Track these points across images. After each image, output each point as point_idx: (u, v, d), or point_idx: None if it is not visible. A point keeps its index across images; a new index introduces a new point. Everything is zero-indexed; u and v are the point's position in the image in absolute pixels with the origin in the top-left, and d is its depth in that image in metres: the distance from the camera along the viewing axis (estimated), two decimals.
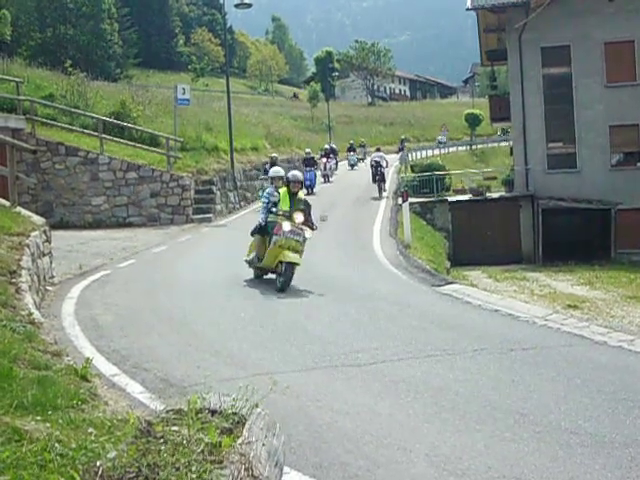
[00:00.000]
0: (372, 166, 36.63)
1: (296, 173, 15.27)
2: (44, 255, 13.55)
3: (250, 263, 15.11)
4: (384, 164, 36.67)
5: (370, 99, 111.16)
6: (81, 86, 32.49)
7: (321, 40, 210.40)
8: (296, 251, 13.92)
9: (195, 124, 34.63)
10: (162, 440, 3.60)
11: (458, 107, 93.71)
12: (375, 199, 34.07)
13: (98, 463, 3.46)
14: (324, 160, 43.17)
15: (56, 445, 3.84)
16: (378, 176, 35.51)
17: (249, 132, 41.27)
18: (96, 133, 26.88)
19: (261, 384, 4.95)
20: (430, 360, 8.92)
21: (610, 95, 33.34)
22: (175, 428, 3.74)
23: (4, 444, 3.81)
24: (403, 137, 68.62)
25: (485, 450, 6.11)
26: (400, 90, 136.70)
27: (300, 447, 6.09)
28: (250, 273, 15.25)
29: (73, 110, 28.81)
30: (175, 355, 9.16)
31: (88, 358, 7.34)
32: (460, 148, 72.20)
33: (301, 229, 14.07)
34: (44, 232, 14.05)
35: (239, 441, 3.61)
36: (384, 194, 35.01)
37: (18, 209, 14.78)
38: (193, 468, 3.32)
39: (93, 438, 4.00)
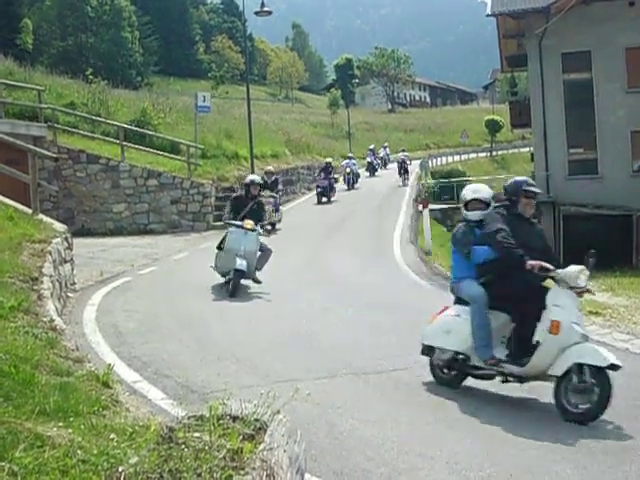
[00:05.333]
0: (398, 162, 46.49)
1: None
2: (65, 262, 13.61)
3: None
4: (408, 161, 46.11)
5: (390, 106, 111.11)
6: (102, 94, 32.70)
7: (341, 47, 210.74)
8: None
9: (215, 131, 34.73)
10: (184, 446, 3.61)
11: (478, 113, 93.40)
12: (400, 187, 42.79)
13: (120, 469, 3.47)
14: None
15: (78, 451, 3.86)
16: (403, 170, 44.71)
17: (269, 139, 41.34)
18: (117, 141, 26.98)
19: (282, 391, 4.95)
20: None
21: (632, 100, 33.11)
22: (197, 434, 3.75)
23: (26, 450, 3.83)
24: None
25: (506, 458, 6.09)
26: (420, 96, 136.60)
27: (321, 454, 6.09)
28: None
29: (94, 118, 28.94)
30: (196, 362, 9.18)
31: (109, 364, 7.35)
32: (480, 154, 71.97)
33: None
34: (65, 239, 14.11)
35: (261, 447, 3.61)
36: (407, 182, 44.01)
37: (40, 216, 14.86)
38: (215, 474, 3.33)
39: (115, 444, 4.02)
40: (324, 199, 35.60)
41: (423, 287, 16.34)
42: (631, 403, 7.49)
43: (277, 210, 26.03)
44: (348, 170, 42.29)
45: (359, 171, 45.72)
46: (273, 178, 27.05)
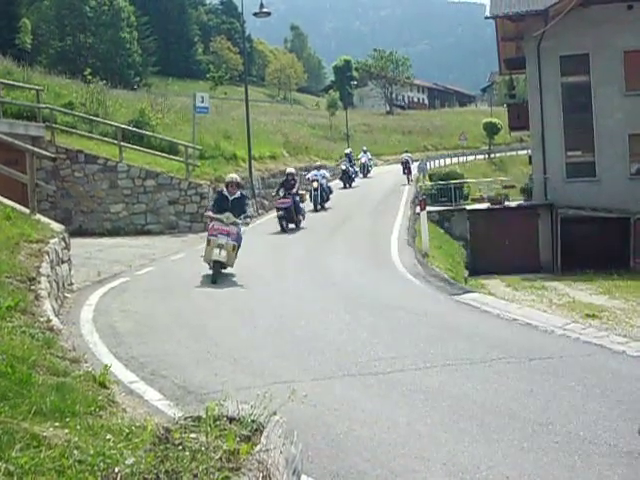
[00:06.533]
0: (402, 162, 47.84)
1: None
2: (63, 262, 13.60)
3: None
4: (410, 161, 47.55)
5: (388, 107, 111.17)
6: (100, 94, 32.69)
7: (339, 49, 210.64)
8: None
9: (214, 132, 34.72)
10: (180, 447, 3.61)
11: (476, 115, 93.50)
12: (403, 185, 43.56)
13: (116, 469, 3.47)
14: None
15: (74, 451, 3.85)
16: (406, 169, 46.40)
17: (267, 140, 41.30)
18: (115, 141, 26.97)
19: (279, 392, 4.95)
20: (448, 369, 8.89)
21: (629, 103, 33.17)
22: (193, 435, 3.75)
23: (23, 450, 3.82)
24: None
25: (503, 460, 6.09)
26: (418, 98, 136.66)
27: (317, 455, 6.08)
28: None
29: (92, 118, 28.94)
30: (193, 362, 9.18)
31: (106, 365, 7.36)
32: (478, 157, 72.02)
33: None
34: (63, 239, 14.10)
35: (257, 448, 3.61)
36: (410, 181, 44.96)
37: (37, 216, 14.84)
38: (211, 475, 3.33)
39: (111, 444, 4.02)
40: (290, 225, 26.26)
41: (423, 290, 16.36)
42: (629, 407, 7.48)
43: (239, 247, 16.47)
44: (315, 185, 32.17)
45: (332, 184, 36.34)
46: (238, 194, 16.86)
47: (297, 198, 26.47)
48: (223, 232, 15.90)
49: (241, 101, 42.57)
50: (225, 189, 16.98)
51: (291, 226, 26.17)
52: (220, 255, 15.66)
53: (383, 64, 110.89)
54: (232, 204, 16.43)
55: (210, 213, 16.63)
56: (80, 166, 26.21)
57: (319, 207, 32.18)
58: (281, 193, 26.24)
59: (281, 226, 25.81)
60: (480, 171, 57.68)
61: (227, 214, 16.15)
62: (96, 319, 11.62)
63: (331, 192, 34.05)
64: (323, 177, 33.28)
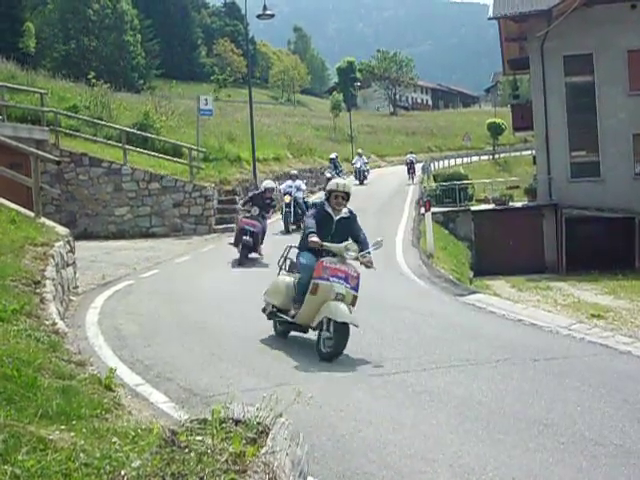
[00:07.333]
0: (406, 163, 47.81)
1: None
2: (68, 265, 13.61)
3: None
4: (415, 162, 47.72)
5: (392, 109, 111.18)
6: (104, 97, 32.72)
7: (343, 50, 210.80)
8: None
9: (218, 134, 34.74)
10: (186, 449, 3.61)
11: (480, 116, 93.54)
12: (408, 185, 43.57)
13: (122, 472, 3.47)
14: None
15: (80, 454, 3.86)
16: (411, 170, 46.63)
17: (271, 142, 41.36)
18: (119, 144, 26.99)
19: (284, 394, 4.95)
20: (453, 370, 8.89)
21: (633, 103, 33.14)
22: (199, 438, 3.75)
23: (29, 453, 3.83)
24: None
25: (509, 461, 6.08)
26: (422, 99, 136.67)
27: (323, 457, 6.08)
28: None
29: (96, 121, 28.97)
30: (198, 365, 9.17)
31: (112, 368, 7.36)
32: (483, 157, 71.95)
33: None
34: (68, 242, 14.12)
35: (263, 451, 3.61)
36: (415, 181, 45.33)
37: (42, 220, 14.86)
38: (217, 478, 3.33)
39: (117, 447, 4.02)
40: (252, 254, 19.58)
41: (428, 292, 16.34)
42: (634, 407, 7.47)
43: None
44: (288, 199, 26.06)
45: (315, 197, 30.42)
46: (345, 212, 10.40)
47: (266, 222, 20.52)
48: (340, 274, 9.70)
49: (245, 103, 42.61)
50: (327, 203, 10.33)
51: (252, 255, 19.51)
52: (347, 314, 9.51)
53: (386, 65, 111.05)
54: (336, 227, 10.19)
55: (316, 239, 9.68)
56: (84, 169, 26.25)
57: (292, 227, 25.32)
58: (254, 212, 19.70)
59: (241, 257, 19.17)
60: (484, 172, 57.63)
61: (349, 244, 9.91)
62: (101, 322, 11.63)
63: (307, 208, 24.34)
64: (298, 189, 27.06)
